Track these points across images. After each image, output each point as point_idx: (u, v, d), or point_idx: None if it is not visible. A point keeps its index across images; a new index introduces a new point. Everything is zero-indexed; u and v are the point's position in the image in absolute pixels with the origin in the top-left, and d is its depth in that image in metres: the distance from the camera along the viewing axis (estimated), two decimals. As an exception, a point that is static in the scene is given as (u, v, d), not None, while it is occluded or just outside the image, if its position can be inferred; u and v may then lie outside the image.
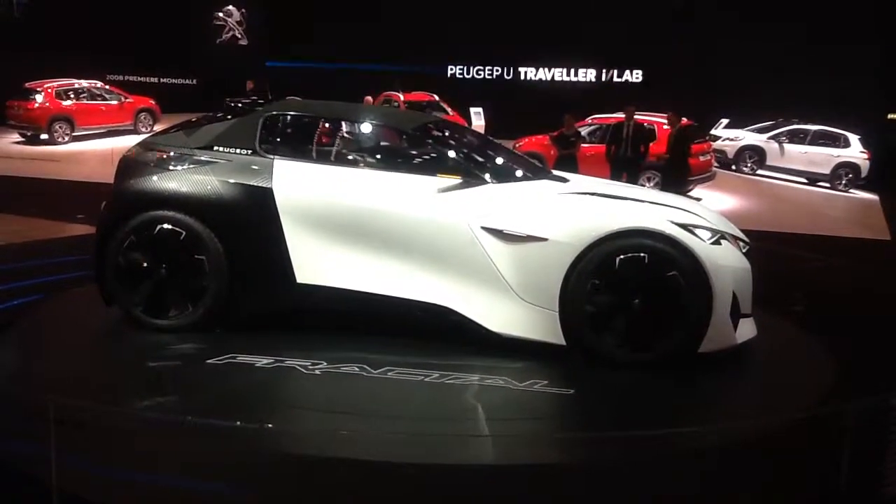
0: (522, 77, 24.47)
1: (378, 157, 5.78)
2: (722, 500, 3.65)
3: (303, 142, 5.59)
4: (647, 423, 4.15)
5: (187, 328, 5.15)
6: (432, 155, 5.49)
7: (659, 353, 4.81)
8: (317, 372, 4.64)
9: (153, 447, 3.81)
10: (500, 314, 4.90)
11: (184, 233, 5.11)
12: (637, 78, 23.27)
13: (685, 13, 19.63)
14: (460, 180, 5.07)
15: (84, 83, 20.18)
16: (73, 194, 12.22)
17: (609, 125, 12.96)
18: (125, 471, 3.66)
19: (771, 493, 3.70)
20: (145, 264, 5.15)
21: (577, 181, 5.70)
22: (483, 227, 4.93)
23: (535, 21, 22.36)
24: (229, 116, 5.62)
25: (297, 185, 5.13)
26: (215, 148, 5.35)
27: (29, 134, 19.41)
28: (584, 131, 13.87)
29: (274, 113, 5.55)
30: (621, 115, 11.99)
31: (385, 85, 18.49)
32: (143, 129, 19.94)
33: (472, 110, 19.57)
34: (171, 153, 5.38)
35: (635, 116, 11.71)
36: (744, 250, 5.15)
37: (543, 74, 24.27)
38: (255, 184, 5.14)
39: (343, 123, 5.85)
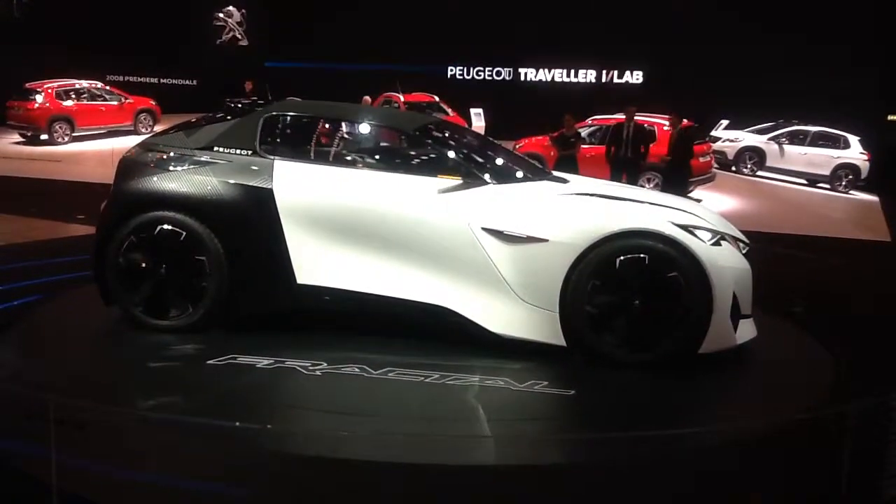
0: (523, 78, 24.46)
1: (378, 157, 5.79)
2: (722, 501, 3.65)
3: (303, 142, 5.59)
4: (647, 424, 4.15)
5: (187, 329, 5.15)
6: (433, 156, 5.49)
7: (659, 353, 4.81)
8: (317, 373, 4.64)
9: (153, 447, 3.80)
10: (500, 315, 4.90)
11: (184, 233, 5.11)
12: (637, 79, 23.27)
13: None
14: (461, 181, 5.07)
15: (84, 83, 20.19)
16: (72, 195, 12.23)
17: (609, 126, 12.96)
18: (125, 471, 3.66)
19: (771, 493, 3.70)
20: (145, 265, 5.15)
21: (578, 182, 5.71)
22: (483, 228, 4.93)
23: (535, 21, 22.36)
24: (229, 117, 5.62)
25: (297, 185, 5.13)
26: (215, 148, 5.35)
27: (29, 134, 19.42)
28: (584, 132, 13.88)
29: (274, 113, 5.55)
30: (621, 116, 11.99)
31: (385, 85, 18.49)
32: (144, 130, 19.96)
33: (473, 111, 19.57)
34: (171, 154, 5.38)
35: (635, 117, 11.70)
36: (744, 251, 5.16)
37: (544, 75, 24.26)
38: (256, 184, 5.14)
39: (343, 124, 5.85)
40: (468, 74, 24.82)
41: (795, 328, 6.03)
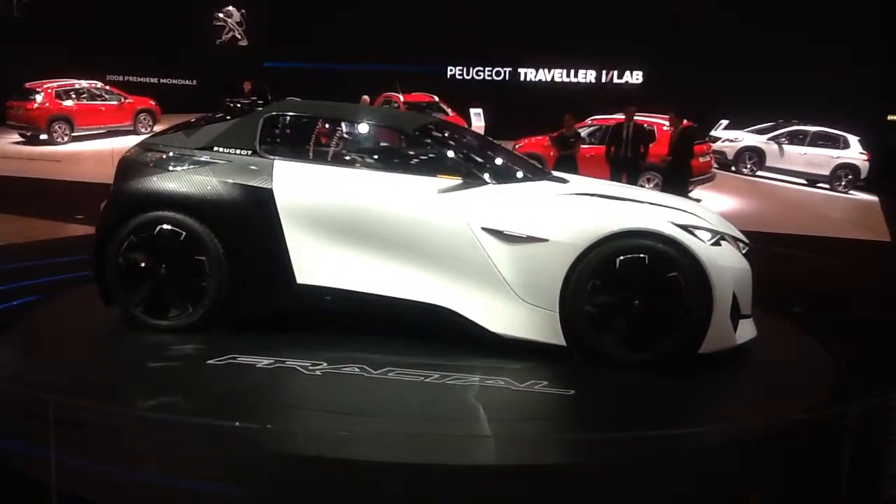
0: (522, 78, 24.47)
1: (378, 157, 5.79)
2: (722, 501, 3.65)
3: (303, 142, 5.59)
4: (647, 424, 4.15)
5: (187, 329, 5.15)
6: (432, 156, 5.49)
7: (659, 353, 4.81)
8: (317, 372, 4.64)
9: (153, 447, 3.81)
10: (500, 315, 4.91)
11: (184, 233, 5.11)
12: (637, 79, 23.27)
13: None
14: (460, 181, 5.07)
15: (84, 83, 20.19)
16: (72, 195, 12.23)
17: (609, 126, 12.97)
18: (125, 471, 3.66)
19: (771, 493, 3.70)
20: (145, 265, 5.14)
21: (577, 182, 5.71)
22: (483, 228, 4.93)
23: (535, 21, 22.36)
24: (229, 117, 5.62)
25: (297, 185, 5.13)
26: (215, 148, 5.35)
27: (29, 134, 19.42)
28: (583, 132, 13.88)
29: (274, 113, 5.55)
30: (621, 116, 11.99)
31: (385, 85, 18.49)
32: (143, 130, 19.96)
33: (472, 111, 19.58)
34: (171, 154, 5.38)
35: (635, 118, 11.70)
36: (743, 251, 5.16)
37: (543, 75, 24.25)
38: (256, 184, 5.14)
39: (343, 124, 5.85)
40: (468, 74, 24.82)
41: (795, 328, 6.03)
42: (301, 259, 5.09)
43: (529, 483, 3.59)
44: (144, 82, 25.44)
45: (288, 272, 5.10)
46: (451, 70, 24.77)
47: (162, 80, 26.30)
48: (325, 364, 4.72)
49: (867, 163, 17.37)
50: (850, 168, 17.43)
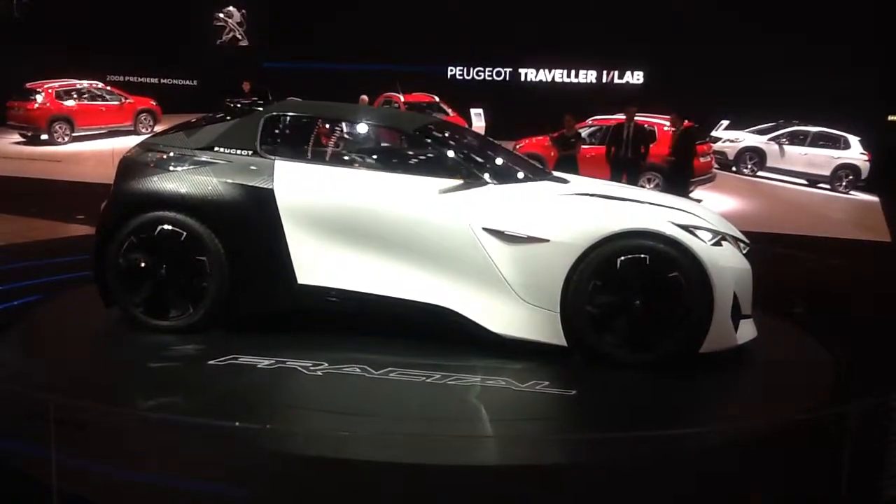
0: (523, 78, 24.48)
1: (379, 158, 5.79)
2: (723, 501, 3.65)
3: (304, 143, 5.59)
4: (648, 424, 4.15)
5: (188, 329, 5.15)
6: (433, 156, 5.49)
7: (660, 353, 4.81)
8: (318, 373, 4.64)
9: (154, 448, 3.81)
10: (501, 315, 4.91)
11: (184, 233, 5.11)
12: (638, 79, 23.27)
13: None
14: (461, 181, 5.07)
15: (84, 84, 20.19)
16: (72, 195, 12.23)
17: (609, 126, 12.96)
18: (125, 471, 3.66)
19: (771, 493, 3.70)
20: (146, 265, 5.14)
21: (578, 182, 5.71)
22: (484, 228, 4.93)
23: (535, 21, 22.37)
24: (229, 117, 5.62)
25: (298, 186, 5.13)
26: (216, 149, 5.35)
27: (29, 134, 19.42)
28: (584, 132, 13.88)
29: (274, 114, 5.55)
30: (621, 117, 11.99)
31: (385, 86, 18.49)
32: (144, 130, 19.97)
33: (473, 111, 19.58)
34: (172, 154, 5.38)
35: (635, 118, 11.70)
36: (744, 251, 5.16)
37: (544, 75, 24.26)
38: (256, 184, 5.14)
39: (344, 124, 5.85)
40: (468, 75, 24.83)
41: (795, 328, 6.03)
42: (302, 259, 5.09)
43: (530, 483, 3.59)
44: (145, 82, 25.46)
45: (289, 272, 5.10)
46: (451, 70, 24.78)
47: (162, 81, 26.31)
48: (326, 364, 4.72)
49: (868, 163, 17.37)
50: (851, 168, 17.43)
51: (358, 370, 4.65)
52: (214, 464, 3.72)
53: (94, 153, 17.82)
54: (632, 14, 21.07)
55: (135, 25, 23.93)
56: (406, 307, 5.00)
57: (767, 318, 5.50)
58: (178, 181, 5.21)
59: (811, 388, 4.85)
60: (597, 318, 4.81)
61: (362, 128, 6.01)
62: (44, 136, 19.10)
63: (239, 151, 5.30)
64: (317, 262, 5.09)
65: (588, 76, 23.82)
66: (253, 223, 5.12)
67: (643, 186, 11.50)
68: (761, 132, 18.62)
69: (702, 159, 13.71)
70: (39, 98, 19.07)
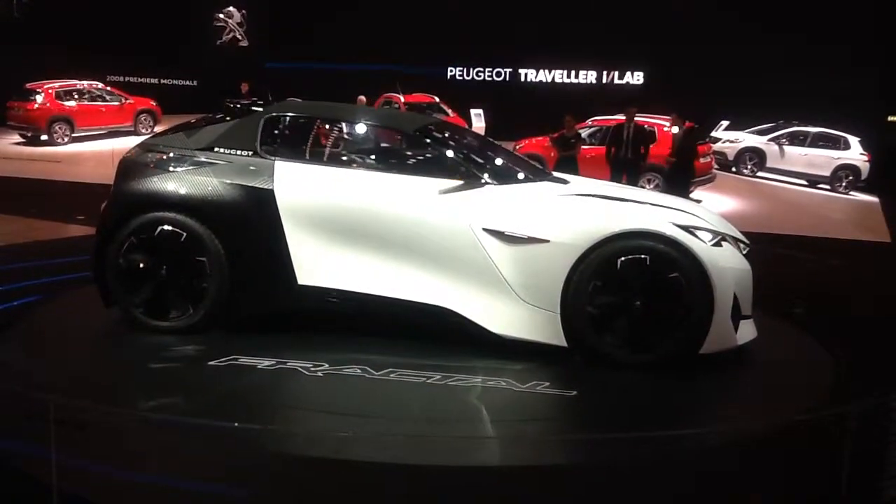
0: (523, 79, 24.49)
1: (379, 158, 5.78)
2: (723, 501, 3.65)
3: (304, 143, 5.59)
4: (648, 425, 4.15)
5: (188, 330, 5.15)
6: (433, 156, 5.49)
7: (660, 354, 4.81)
8: (318, 373, 4.64)
9: (154, 448, 3.81)
10: (501, 316, 4.91)
11: (184, 234, 5.11)
12: (638, 80, 23.28)
13: None
14: (461, 182, 5.07)
15: (84, 84, 20.19)
16: (72, 195, 12.23)
17: (609, 127, 12.96)
18: (125, 471, 3.66)
19: (771, 494, 3.70)
20: (146, 266, 5.14)
21: (578, 183, 5.71)
22: (484, 229, 4.93)
23: (535, 22, 22.37)
24: (229, 118, 5.62)
25: (298, 186, 5.13)
26: (216, 149, 5.35)
27: (29, 135, 19.42)
28: (584, 133, 13.88)
29: (274, 114, 5.54)
30: (621, 117, 11.98)
31: (385, 86, 18.50)
32: (144, 131, 19.96)
33: (473, 112, 19.59)
34: (172, 154, 5.38)
35: (636, 118, 11.70)
36: (744, 252, 5.16)
37: (544, 76, 24.28)
38: (257, 185, 5.14)
39: (344, 125, 5.85)
40: (468, 75, 24.84)
41: (796, 329, 6.03)
42: (302, 260, 5.09)
43: (531, 484, 3.59)
44: (145, 83, 25.47)
45: (289, 273, 5.10)
46: (451, 71, 24.80)
47: (162, 81, 26.33)
48: (327, 365, 4.72)
49: (867, 164, 17.38)
50: (851, 169, 17.43)
51: (358, 371, 4.65)
52: (215, 464, 3.72)
53: (94, 154, 17.82)
54: (632, 14, 21.09)
55: (135, 26, 23.93)
56: (406, 308, 5.00)
57: (767, 318, 5.50)
58: (179, 182, 5.21)
59: (811, 388, 4.85)
60: (597, 319, 4.81)
61: (362, 128, 6.01)
62: (44, 137, 19.09)
63: (239, 152, 5.30)
64: (317, 263, 5.09)
65: (588, 76, 23.83)
66: (253, 224, 5.12)
67: (643, 187, 11.50)
68: (761, 133, 18.63)
69: (702, 160, 13.71)
70: (39, 98, 19.06)
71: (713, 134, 18.87)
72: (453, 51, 23.81)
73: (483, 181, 5.11)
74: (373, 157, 5.79)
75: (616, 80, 23.49)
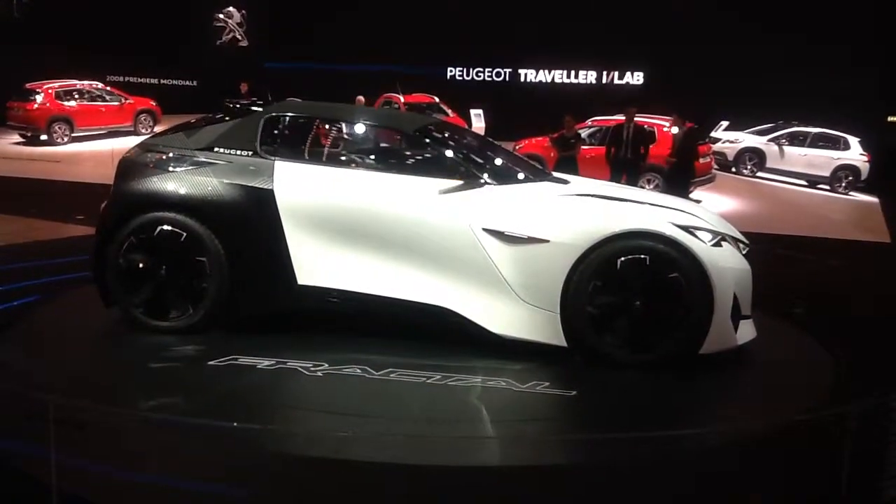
0: (522, 79, 24.49)
1: (379, 158, 5.79)
2: (723, 501, 3.65)
3: (304, 143, 5.59)
4: (648, 425, 4.15)
5: (187, 330, 5.15)
6: (433, 156, 5.48)
7: (660, 354, 4.81)
8: (318, 373, 4.64)
9: (154, 448, 3.81)
10: (501, 316, 4.91)
11: (184, 234, 5.11)
12: (638, 80, 23.28)
13: None
14: (461, 182, 5.07)
15: (84, 84, 20.19)
16: (72, 195, 12.22)
17: (609, 127, 12.96)
18: (125, 471, 3.66)
19: (771, 494, 3.70)
20: (145, 266, 5.14)
21: (578, 183, 5.71)
22: (484, 229, 4.93)
23: (535, 22, 22.38)
24: (229, 118, 5.62)
25: (298, 186, 5.13)
26: (216, 149, 5.35)
27: (29, 135, 19.42)
28: (583, 133, 13.88)
29: (274, 114, 5.54)
30: (621, 117, 11.98)
31: (385, 86, 18.50)
32: (144, 131, 19.96)
33: (473, 112, 19.59)
34: (172, 154, 5.38)
35: (635, 119, 11.70)
36: (744, 252, 5.16)
37: (543, 76, 24.28)
38: (256, 185, 5.14)
39: (344, 125, 5.85)
40: (468, 75, 24.85)
41: (795, 329, 6.03)
42: (302, 260, 5.09)
43: (531, 484, 3.59)
44: (145, 83, 25.48)
45: (289, 273, 5.09)
46: (451, 71, 24.81)
47: (162, 81, 26.33)
48: (327, 365, 4.72)
49: (867, 164, 17.37)
50: (851, 169, 17.43)
51: (358, 371, 4.65)
52: (214, 464, 3.72)
53: (94, 154, 17.81)
54: (632, 14, 21.09)
55: (135, 26, 23.94)
56: (406, 308, 5.00)
57: (767, 318, 5.50)
58: (178, 182, 5.21)
59: (811, 388, 4.85)
60: (597, 319, 4.81)
61: (362, 128, 6.01)
62: (43, 137, 19.09)
63: (239, 152, 5.30)
64: (317, 263, 5.09)
65: (588, 77, 23.84)
66: (253, 224, 5.12)
67: (643, 187, 11.50)
68: (761, 133, 18.63)
69: (701, 160, 13.72)
70: (39, 98, 19.06)
71: (713, 134, 18.87)
72: (453, 51, 23.81)
73: (483, 181, 5.11)
74: (373, 157, 5.79)
75: (616, 81, 23.50)
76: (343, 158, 5.66)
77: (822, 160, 17.66)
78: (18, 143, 19.44)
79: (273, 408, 4.33)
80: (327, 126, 5.84)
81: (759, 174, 18.24)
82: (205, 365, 4.73)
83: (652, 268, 4.75)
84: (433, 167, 5.29)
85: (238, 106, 5.89)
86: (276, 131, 5.51)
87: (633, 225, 4.84)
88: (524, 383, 4.58)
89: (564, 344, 4.88)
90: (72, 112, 19.49)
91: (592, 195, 5.23)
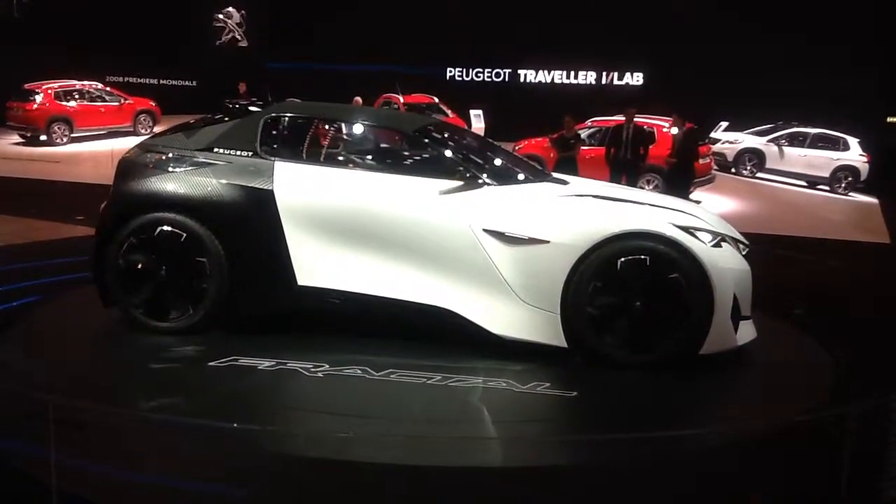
0: (522, 79, 24.49)
1: (379, 159, 5.79)
2: (723, 502, 3.66)
3: (303, 144, 5.59)
4: (648, 425, 4.16)
5: (187, 330, 5.15)
6: (433, 157, 5.49)
7: (660, 354, 4.81)
8: (319, 374, 4.63)
9: (154, 448, 3.80)
10: (501, 316, 4.90)
11: (184, 234, 5.11)
12: (637, 80, 23.28)
13: None
14: (461, 182, 5.07)
15: (84, 84, 20.18)
16: (72, 195, 12.22)
17: (608, 128, 12.97)
18: (125, 471, 3.66)
19: (771, 494, 3.70)
20: (146, 266, 5.14)
21: (578, 184, 5.71)
22: (485, 230, 4.93)
23: (535, 22, 22.38)
24: (228, 118, 5.62)
25: (298, 187, 5.13)
26: (215, 150, 5.35)
27: (28, 135, 19.41)
28: (583, 134, 13.88)
29: (274, 115, 5.54)
30: (621, 118, 11.99)
31: (385, 87, 18.51)
32: (143, 131, 19.95)
33: (472, 112, 19.58)
34: (171, 155, 5.38)
35: (635, 119, 11.70)
36: (743, 253, 5.16)
37: (543, 76, 24.28)
38: (256, 185, 5.14)
39: (344, 125, 5.85)
40: (467, 76, 24.85)
41: (795, 330, 6.03)
42: (302, 260, 5.09)
43: (532, 484, 3.59)
44: (144, 83, 25.47)
45: (289, 273, 5.09)
46: (450, 71, 24.80)
47: (162, 81, 26.32)
48: (327, 366, 4.72)
49: (867, 165, 17.37)
50: (850, 170, 17.42)
51: (359, 372, 4.65)
52: (215, 465, 3.72)
53: (94, 154, 17.81)
54: (632, 14, 21.09)
55: (135, 26, 23.93)
56: (406, 308, 5.00)
57: (767, 319, 5.50)
58: (178, 182, 5.21)
59: (811, 389, 4.85)
60: (597, 320, 4.81)
61: (362, 129, 6.01)
62: (42, 137, 19.08)
63: (239, 152, 5.30)
64: (317, 264, 5.09)
65: (588, 77, 23.84)
66: (253, 224, 5.11)
67: (642, 188, 11.50)
68: (760, 133, 18.63)
69: (701, 161, 13.72)
70: (38, 99, 19.06)
71: (712, 135, 18.87)
72: (453, 51, 23.81)
73: (483, 182, 5.10)
74: (372, 157, 5.79)
75: (616, 81, 23.50)
76: (343, 159, 5.66)
77: (822, 161, 17.65)
78: (18, 144, 19.43)
79: (273, 408, 4.33)
80: (327, 126, 5.84)
81: (758, 175, 18.24)
82: (205, 366, 4.73)
83: (652, 268, 4.75)
84: (433, 168, 5.28)
85: (237, 106, 5.89)
86: (275, 132, 5.51)
87: (633, 226, 4.84)
88: (524, 384, 4.58)
89: (565, 345, 4.88)
90: (71, 112, 19.49)
91: (592, 196, 5.23)
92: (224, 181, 5.17)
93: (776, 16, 19.42)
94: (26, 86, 19.22)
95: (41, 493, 3.29)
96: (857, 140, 17.58)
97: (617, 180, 10.98)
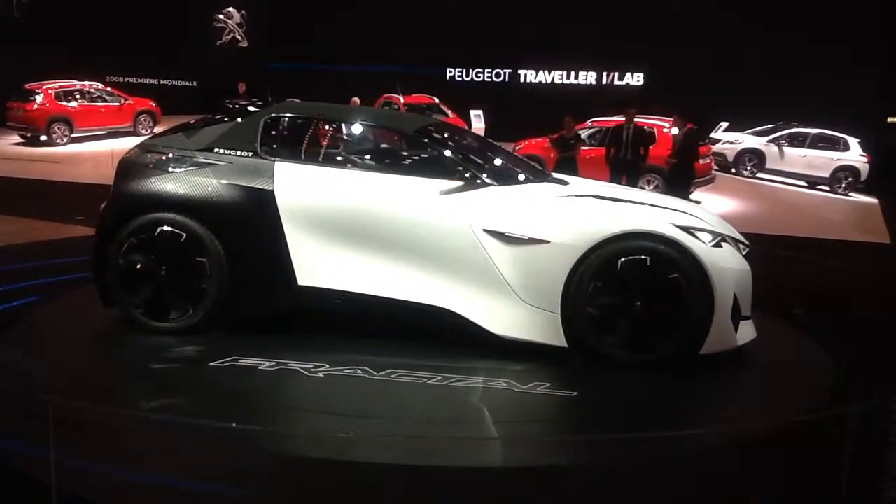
0: (522, 79, 24.50)
1: (379, 159, 5.79)
2: (723, 502, 3.66)
3: (304, 144, 5.59)
4: (648, 425, 4.16)
5: (187, 330, 5.14)
6: (433, 157, 5.49)
7: (660, 354, 4.81)
8: (319, 374, 4.63)
9: (154, 448, 3.80)
10: (501, 316, 4.90)
11: (184, 235, 5.11)
12: (638, 80, 23.29)
13: None
14: (462, 183, 5.07)
15: (84, 84, 20.18)
16: (72, 196, 12.22)
17: (609, 128, 12.97)
18: (125, 471, 3.66)
19: (771, 494, 3.70)
20: (146, 266, 5.14)
21: (578, 184, 5.71)
22: (485, 230, 4.93)
23: (535, 22, 22.38)
24: (228, 118, 5.62)
25: (298, 187, 5.13)
26: (216, 150, 5.34)
27: (28, 135, 19.41)
28: (583, 134, 13.88)
29: (274, 115, 5.54)
30: (621, 118, 11.98)
31: (385, 87, 18.51)
32: (143, 131, 19.94)
33: (472, 113, 19.59)
34: (172, 155, 5.37)
35: (635, 119, 11.70)
36: (744, 253, 5.16)
37: (543, 77, 24.29)
38: (257, 186, 5.14)
39: (344, 126, 5.85)
40: (468, 76, 24.86)
41: (795, 330, 6.03)
42: (302, 260, 5.09)
43: (532, 485, 3.59)
44: (144, 83, 25.47)
45: (289, 274, 5.09)
46: (450, 71, 24.81)
47: (162, 82, 26.32)
48: (327, 366, 4.72)
49: (867, 165, 17.37)
50: (850, 170, 17.43)
51: (359, 372, 4.65)
52: (215, 465, 3.72)
53: (94, 154, 17.81)
54: (632, 14, 21.10)
55: (135, 26, 23.93)
56: (406, 308, 5.00)
57: (767, 319, 5.50)
58: (178, 182, 5.21)
59: (811, 389, 4.85)
60: (597, 320, 4.81)
61: (362, 129, 6.01)
62: (43, 137, 19.08)
63: (239, 152, 5.30)
64: (317, 264, 5.08)
65: (588, 77, 23.85)
66: (253, 224, 5.11)
67: (642, 188, 11.50)
68: (761, 134, 18.64)
69: (701, 161, 13.71)
70: (38, 99, 19.05)
71: (712, 135, 18.88)
72: (453, 51, 23.81)
73: (483, 182, 5.10)
74: (373, 157, 5.79)
75: (616, 81, 23.50)
76: (343, 159, 5.66)
77: (822, 161, 17.66)
78: (18, 144, 19.43)
79: (273, 409, 4.33)
80: (327, 127, 5.83)
81: (758, 175, 18.25)
82: (205, 366, 4.73)
83: (652, 268, 4.75)
84: (433, 168, 5.28)
85: (237, 106, 5.89)
86: (276, 132, 5.51)
87: (633, 226, 4.84)
88: (525, 384, 4.58)
89: (565, 345, 4.88)
90: (71, 112, 19.49)
91: (592, 196, 5.23)
92: (224, 181, 5.17)
93: (776, 16, 19.43)
94: (27, 86, 19.22)
95: (41, 493, 3.29)
96: (858, 140, 17.58)
97: (617, 180, 10.98)
